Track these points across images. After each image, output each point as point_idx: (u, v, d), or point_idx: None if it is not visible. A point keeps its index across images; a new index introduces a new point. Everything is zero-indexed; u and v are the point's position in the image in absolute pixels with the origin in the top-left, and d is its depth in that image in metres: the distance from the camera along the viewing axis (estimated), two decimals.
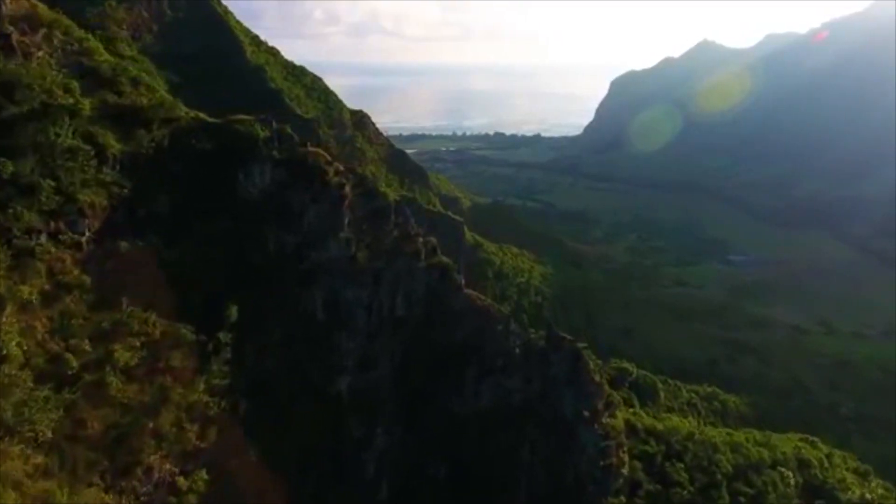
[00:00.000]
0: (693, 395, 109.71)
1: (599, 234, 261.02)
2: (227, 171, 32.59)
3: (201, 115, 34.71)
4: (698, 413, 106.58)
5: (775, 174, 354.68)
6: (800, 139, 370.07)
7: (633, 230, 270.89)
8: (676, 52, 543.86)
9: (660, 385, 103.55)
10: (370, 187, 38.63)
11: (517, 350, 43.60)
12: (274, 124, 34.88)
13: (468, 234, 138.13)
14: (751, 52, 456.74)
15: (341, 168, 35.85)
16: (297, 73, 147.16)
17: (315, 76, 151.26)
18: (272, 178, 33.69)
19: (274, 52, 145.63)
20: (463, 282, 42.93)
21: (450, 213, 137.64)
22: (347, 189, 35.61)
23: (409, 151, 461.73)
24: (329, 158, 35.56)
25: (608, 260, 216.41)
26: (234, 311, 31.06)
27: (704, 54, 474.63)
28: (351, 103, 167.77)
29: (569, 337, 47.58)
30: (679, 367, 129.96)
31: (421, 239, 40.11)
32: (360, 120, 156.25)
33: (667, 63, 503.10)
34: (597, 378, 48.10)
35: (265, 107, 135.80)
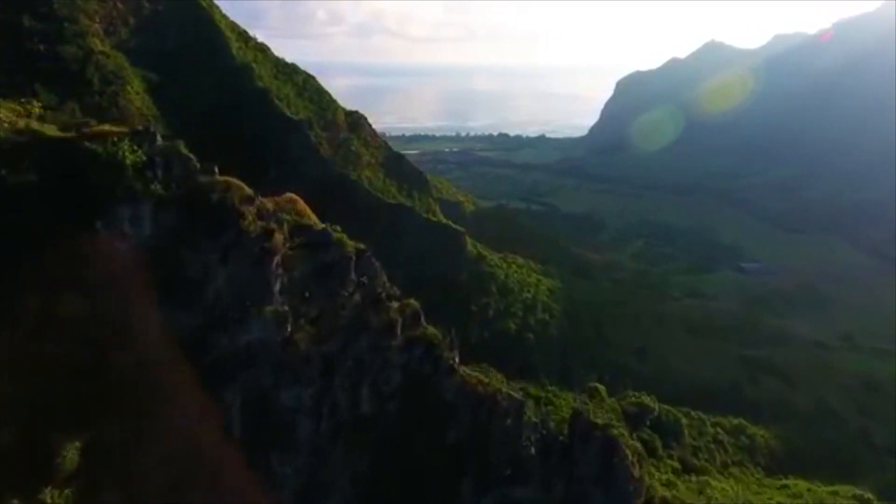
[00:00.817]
0: (718, 429, 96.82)
1: (606, 239, 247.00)
2: (76, 218, 19.74)
3: (34, 125, 21.18)
4: (725, 451, 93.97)
5: (784, 177, 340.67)
6: (809, 141, 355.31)
7: (640, 235, 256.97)
8: (683, 52, 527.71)
9: (683, 420, 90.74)
10: (318, 234, 25.51)
11: (532, 449, 30.59)
12: (159, 140, 21.54)
13: (470, 245, 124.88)
14: (758, 53, 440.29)
15: (269, 207, 22.70)
16: (289, 72, 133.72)
17: (308, 75, 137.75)
18: (156, 226, 20.72)
19: (263, 49, 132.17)
20: (457, 359, 29.75)
21: (450, 222, 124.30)
22: (279, 238, 22.59)
23: (411, 152, 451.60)
24: (249, 192, 22.45)
25: (616, 268, 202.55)
26: (72, 454, 18.23)
27: (711, 55, 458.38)
28: (355, 104, 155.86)
29: (600, 422, 34.44)
30: (699, 392, 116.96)
31: (396, 303, 26.99)
32: (356, 121, 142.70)
33: (673, 63, 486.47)
34: (636, 472, 35.16)
35: (250, 107, 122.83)
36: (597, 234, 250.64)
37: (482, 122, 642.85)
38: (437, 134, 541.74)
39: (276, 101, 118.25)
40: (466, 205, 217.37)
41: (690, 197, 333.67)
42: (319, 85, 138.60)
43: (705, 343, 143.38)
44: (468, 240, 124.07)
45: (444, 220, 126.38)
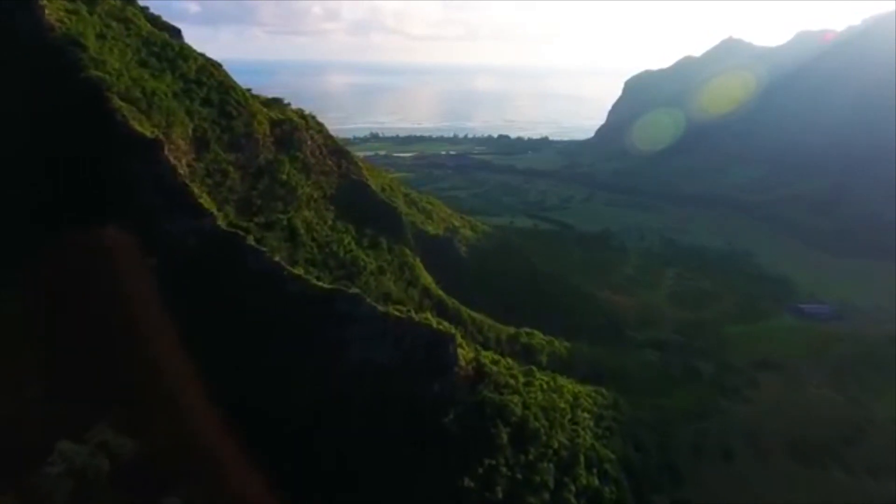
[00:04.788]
0: None
1: (630, 272, 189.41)
2: None
3: None
4: None
5: (816, 189, 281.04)
6: (842, 149, 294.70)
7: (669, 262, 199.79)
8: (697, 51, 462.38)
9: None
10: None
11: None
12: None
13: (464, 352, 68.28)
14: (780, 52, 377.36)
15: None
16: (170, 57, 75.93)
17: (208, 61, 79.43)
18: None
19: (123, 18, 73.83)
20: None
21: (435, 323, 66.89)
22: None
23: (406, 155, 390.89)
24: None
25: (655, 320, 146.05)
26: None
27: (728, 53, 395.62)
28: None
29: None
30: None
31: None
32: (288, 135, 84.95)
33: (686, 62, 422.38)
34: None
35: (75, 114, 63.34)
36: (619, 266, 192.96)
37: (483, 123, 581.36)
38: (436, 135, 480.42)
39: (119, 102, 60.56)
40: (463, 231, 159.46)
41: (714, 211, 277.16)
42: (226, 77, 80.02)
43: (820, 479, 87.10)
44: (463, 343, 67.63)
45: (420, 314, 68.54)
